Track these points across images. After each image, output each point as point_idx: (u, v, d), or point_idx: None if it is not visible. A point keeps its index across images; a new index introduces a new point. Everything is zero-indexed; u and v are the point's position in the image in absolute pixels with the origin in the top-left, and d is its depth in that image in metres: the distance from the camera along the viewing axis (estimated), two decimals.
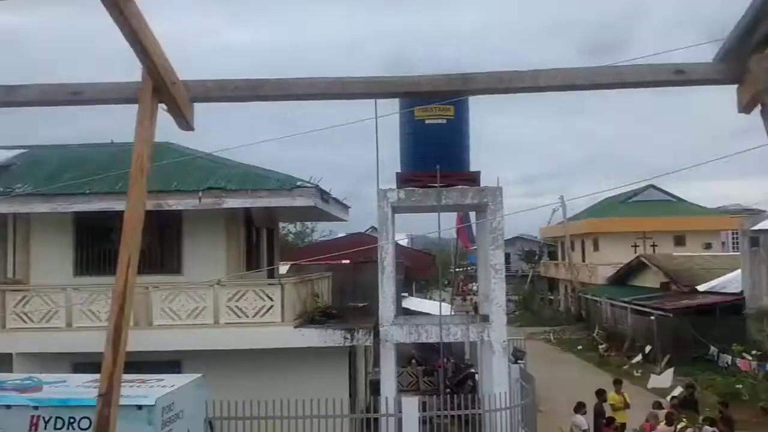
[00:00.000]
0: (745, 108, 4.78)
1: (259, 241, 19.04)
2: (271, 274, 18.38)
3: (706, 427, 13.79)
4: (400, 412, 13.83)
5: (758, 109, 4.65)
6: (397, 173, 17.08)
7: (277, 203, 15.46)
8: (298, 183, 15.36)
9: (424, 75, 4.74)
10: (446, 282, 47.23)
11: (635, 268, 41.37)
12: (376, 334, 15.45)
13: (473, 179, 16.71)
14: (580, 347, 37.27)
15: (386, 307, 15.55)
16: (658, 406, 16.50)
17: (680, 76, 4.73)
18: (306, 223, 43.96)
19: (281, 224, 26.16)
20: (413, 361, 22.70)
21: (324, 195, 16.33)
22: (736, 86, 4.86)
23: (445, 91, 4.89)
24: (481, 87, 4.80)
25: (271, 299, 14.72)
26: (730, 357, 26.19)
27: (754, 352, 26.07)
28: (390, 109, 15.31)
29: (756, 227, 29.08)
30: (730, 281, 32.47)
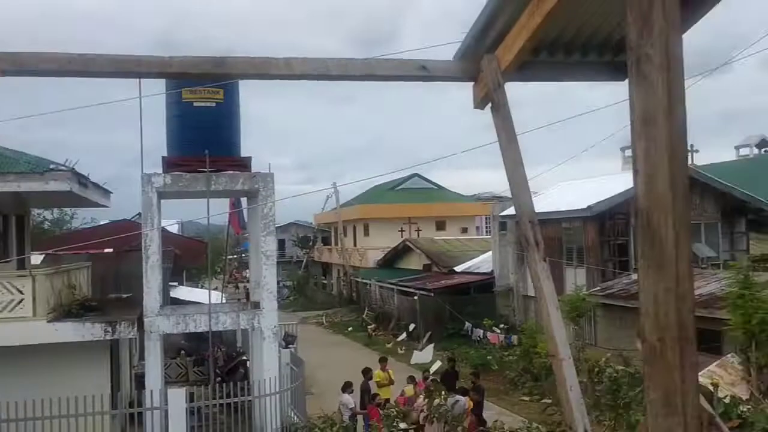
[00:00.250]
0: (480, 104, 5.26)
1: (6, 228, 17.32)
2: (22, 264, 16.82)
3: (459, 397, 14.92)
4: (167, 404, 13.43)
5: (490, 106, 5.14)
6: (163, 157, 16.42)
7: (28, 188, 14.11)
8: (51, 166, 14.15)
9: (176, 56, 4.60)
10: (218, 270, 46.36)
11: (401, 251, 43.60)
12: (141, 326, 14.80)
13: (244, 165, 16.56)
14: (350, 329, 38.55)
15: (151, 297, 14.96)
16: (411, 380, 17.55)
17: (424, 72, 5.07)
18: (65, 209, 40.70)
19: (35, 211, 23.95)
20: (182, 351, 22.06)
21: (81, 179, 15.21)
22: (473, 83, 5.34)
23: (197, 73, 4.80)
24: (233, 72, 4.78)
25: (21, 292, 13.49)
26: (482, 331, 28.66)
27: (501, 325, 28.83)
28: (157, 89, 14.67)
29: (504, 213, 32.02)
30: (483, 262, 35.52)
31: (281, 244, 71.19)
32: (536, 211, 21.98)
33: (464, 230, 50.39)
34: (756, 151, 53.12)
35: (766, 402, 12.75)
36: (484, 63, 5.03)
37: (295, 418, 15.61)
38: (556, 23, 4.71)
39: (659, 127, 3.01)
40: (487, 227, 49.47)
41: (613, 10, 4.32)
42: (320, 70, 4.90)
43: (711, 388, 17.68)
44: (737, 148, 54.84)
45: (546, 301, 4.49)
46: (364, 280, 45.04)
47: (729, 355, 18.80)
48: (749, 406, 15.38)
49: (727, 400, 17.08)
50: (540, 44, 5.06)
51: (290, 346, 21.27)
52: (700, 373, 18.42)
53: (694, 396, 2.93)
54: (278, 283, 28.10)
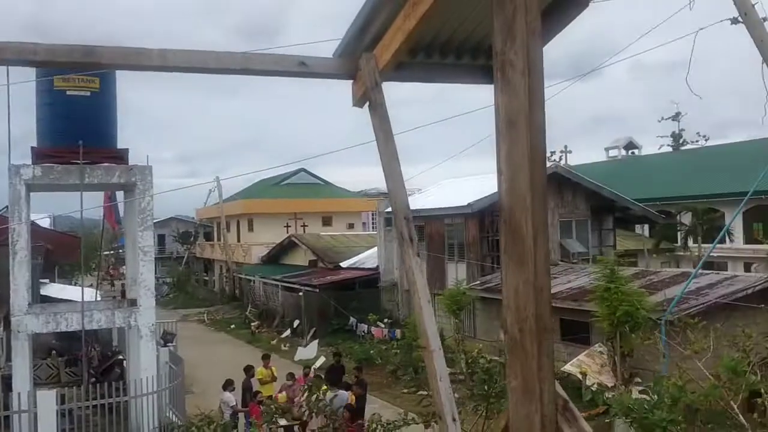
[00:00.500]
0: (358, 102, 5.35)
1: None
2: None
3: (340, 391, 15.05)
4: (36, 407, 12.77)
5: (368, 104, 5.24)
6: (32, 147, 15.57)
7: None
8: None
9: (41, 44, 4.39)
10: (93, 266, 44.39)
11: (287, 247, 43.33)
12: (8, 325, 13.99)
13: (120, 157, 15.97)
14: (233, 326, 37.96)
15: (19, 295, 14.17)
16: (291, 377, 17.55)
17: (303, 68, 5.10)
18: None
19: None
20: (53, 351, 20.98)
21: None
22: (352, 81, 5.42)
23: (66, 62, 4.61)
24: (104, 62, 4.62)
25: None
26: (366, 326, 28.99)
27: (386, 320, 29.28)
28: (27, 75, 13.88)
29: (389, 209, 32.47)
30: (369, 257, 35.90)
31: (161, 239, 69.03)
32: (421, 207, 22.43)
33: (351, 226, 50.73)
34: (624, 152, 56.53)
35: (626, 389, 13.64)
36: (362, 62, 5.12)
37: (174, 417, 15.25)
38: (431, 26, 4.86)
39: (521, 130, 3.18)
40: (373, 223, 50.01)
41: (485, 16, 4.51)
42: (196, 62, 4.82)
43: (580, 376, 18.74)
44: (607, 149, 58.19)
45: (419, 295, 4.63)
46: (248, 277, 44.47)
47: (596, 345, 19.96)
48: (614, 393, 16.39)
49: (594, 388, 18.16)
50: (417, 46, 5.19)
51: (169, 344, 20.69)
52: (570, 363, 19.44)
53: (551, 383, 3.12)
54: (157, 279, 27.25)
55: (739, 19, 13.26)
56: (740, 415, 7.42)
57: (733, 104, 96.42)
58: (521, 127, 3.17)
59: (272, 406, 11.14)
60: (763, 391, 8.29)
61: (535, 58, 3.15)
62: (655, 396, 8.65)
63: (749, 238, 34.94)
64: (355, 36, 5.09)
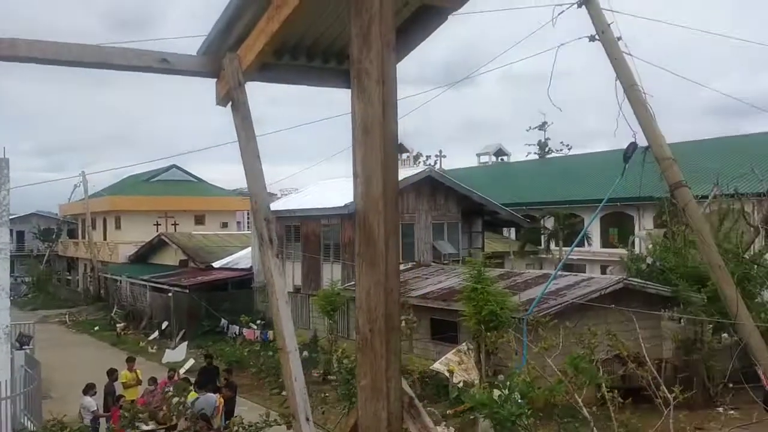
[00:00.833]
0: (221, 101, 5.30)
1: None
2: None
3: (209, 394, 14.78)
4: None
5: (231, 104, 5.21)
6: None
7: None
8: None
9: None
10: None
11: (156, 246, 41.97)
12: None
13: None
14: (97, 328, 36.36)
15: None
16: (153, 381, 17.05)
17: (165, 65, 5.00)
18: None
19: None
20: None
21: None
22: (216, 80, 5.37)
23: None
24: None
25: None
26: (238, 327, 28.54)
27: (259, 321, 28.93)
28: None
29: None
30: (243, 258, 35.36)
31: (20, 236, 65.07)
32: (298, 207, 22.28)
33: (224, 225, 49.77)
34: (494, 158, 58.89)
35: (486, 385, 14.21)
36: (226, 61, 5.08)
37: (29, 424, 14.47)
38: (295, 30, 4.90)
39: (375, 137, 3.29)
40: (248, 222, 49.32)
41: (347, 23, 4.60)
42: (50, 54, 4.60)
43: (447, 374, 19.33)
44: (479, 155, 60.41)
45: (276, 297, 4.66)
46: (114, 276, 42.71)
47: (464, 344, 20.65)
48: (484, 390, 17.03)
49: (460, 385, 18.78)
50: (282, 48, 5.22)
51: (25, 347, 19.54)
52: (438, 361, 19.98)
53: (397, 381, 3.25)
54: (15, 278, 25.62)
55: (597, 36, 14.23)
56: (584, 409, 7.95)
57: (596, 116, 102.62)
58: (376, 134, 3.27)
59: (133, 410, 10.76)
60: (603, 385, 8.93)
61: (389, 67, 3.27)
62: (506, 392, 9.12)
63: (606, 243, 37.32)
64: (219, 35, 5.05)
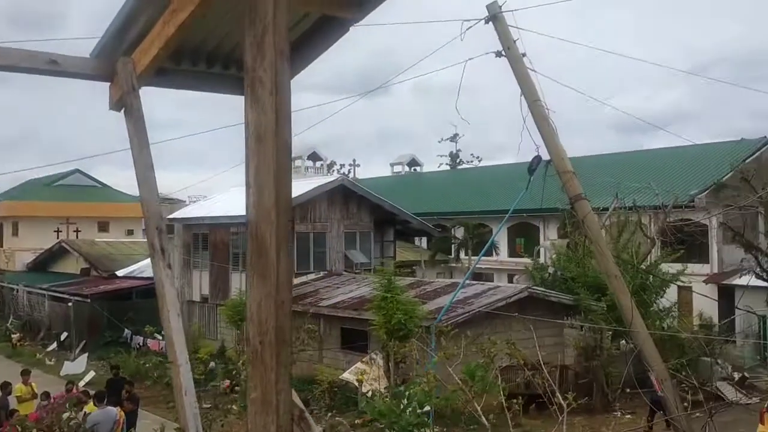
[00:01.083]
0: (114, 106, 5.13)
1: None
2: None
3: (109, 408, 14.23)
4: None
5: (124, 109, 5.05)
6: None
7: None
8: None
9: None
10: None
11: (57, 253, 40.22)
12: None
13: None
14: None
15: None
16: (46, 396, 16.26)
17: (54, 67, 4.80)
18: None
19: None
20: None
21: None
22: (109, 84, 5.19)
23: None
24: None
25: None
26: (142, 338, 27.66)
27: (163, 332, 28.12)
28: None
29: (172, 216, 31.37)
30: (148, 266, 34.07)
31: None
32: (206, 215, 21.85)
33: (130, 232, 48.09)
34: (407, 168, 59.53)
35: (394, 392, 14.26)
36: (120, 65, 4.92)
37: None
38: (193, 35, 4.80)
39: (268, 146, 3.25)
40: None
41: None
42: None
43: (356, 383, 19.33)
44: (392, 165, 60.94)
45: (167, 308, 4.54)
46: (11, 285, 40.62)
47: (374, 353, 20.71)
48: (386, 400, 17.09)
49: (369, 395, 18.82)
50: (180, 53, 5.10)
51: None
52: (348, 371, 19.98)
53: (287, 393, 3.21)
54: None
55: (503, 52, 14.61)
56: (482, 417, 8.12)
57: (504, 129, 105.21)
58: (269, 143, 3.24)
59: (25, 426, 10.22)
60: (501, 393, 9.16)
61: (283, 77, 3.25)
62: (405, 401, 9.22)
63: (513, 252, 38.29)
64: (113, 38, 4.88)
